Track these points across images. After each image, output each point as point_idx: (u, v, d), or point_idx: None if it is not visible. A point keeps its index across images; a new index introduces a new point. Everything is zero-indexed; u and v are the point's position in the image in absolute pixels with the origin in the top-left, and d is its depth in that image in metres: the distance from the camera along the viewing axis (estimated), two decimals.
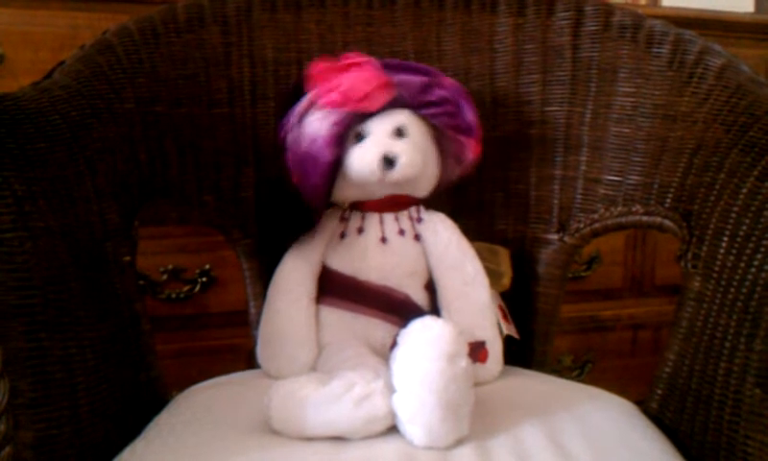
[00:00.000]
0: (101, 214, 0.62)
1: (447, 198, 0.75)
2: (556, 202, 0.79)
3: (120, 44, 0.69)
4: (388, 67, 0.70)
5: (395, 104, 0.68)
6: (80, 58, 0.67)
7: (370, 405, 0.54)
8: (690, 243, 0.67)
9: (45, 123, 0.58)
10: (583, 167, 0.77)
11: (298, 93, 0.70)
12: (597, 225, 0.76)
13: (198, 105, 0.74)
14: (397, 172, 0.66)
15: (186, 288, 1.03)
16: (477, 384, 0.62)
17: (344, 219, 0.70)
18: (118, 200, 0.64)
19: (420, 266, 0.70)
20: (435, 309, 0.69)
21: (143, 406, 0.64)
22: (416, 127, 0.69)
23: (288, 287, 0.70)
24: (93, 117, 0.63)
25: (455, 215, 0.72)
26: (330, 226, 0.71)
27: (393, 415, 0.55)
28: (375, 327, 0.68)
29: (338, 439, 0.54)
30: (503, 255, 0.76)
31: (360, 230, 0.69)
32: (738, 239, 0.60)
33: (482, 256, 0.71)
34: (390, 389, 0.55)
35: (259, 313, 0.72)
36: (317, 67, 0.69)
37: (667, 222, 0.70)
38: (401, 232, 0.69)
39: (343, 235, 0.70)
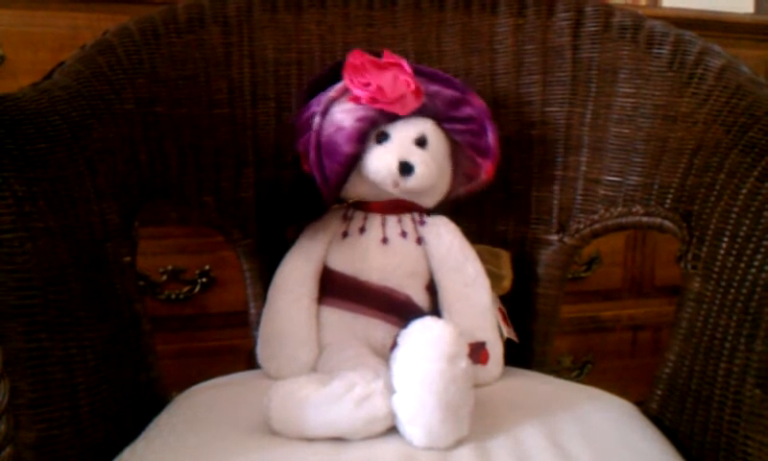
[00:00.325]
0: (101, 215, 0.62)
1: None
2: (556, 202, 0.79)
3: (120, 45, 0.69)
4: (421, 74, 0.70)
5: (421, 112, 0.68)
6: (80, 58, 0.66)
7: (370, 406, 0.54)
8: (690, 244, 0.67)
9: (45, 124, 0.58)
10: (583, 168, 0.77)
11: (330, 78, 0.70)
12: (597, 225, 0.76)
13: (198, 105, 0.74)
14: (413, 180, 0.66)
15: (186, 289, 1.03)
16: (477, 386, 0.61)
17: (346, 218, 0.71)
18: (118, 200, 0.64)
19: (421, 267, 0.70)
20: (436, 310, 0.69)
21: (143, 407, 0.64)
22: (437, 139, 0.69)
23: (289, 287, 0.70)
24: (93, 118, 0.63)
25: (456, 216, 0.72)
26: (333, 225, 0.71)
27: (393, 416, 0.55)
28: (376, 328, 0.68)
29: (338, 439, 0.54)
30: (504, 258, 0.76)
31: (362, 230, 0.69)
32: (738, 240, 0.60)
33: (483, 259, 0.71)
34: (390, 390, 0.55)
35: (259, 314, 0.72)
36: (356, 59, 0.69)
37: (667, 223, 0.70)
38: (403, 234, 0.69)
39: (345, 234, 0.70)
